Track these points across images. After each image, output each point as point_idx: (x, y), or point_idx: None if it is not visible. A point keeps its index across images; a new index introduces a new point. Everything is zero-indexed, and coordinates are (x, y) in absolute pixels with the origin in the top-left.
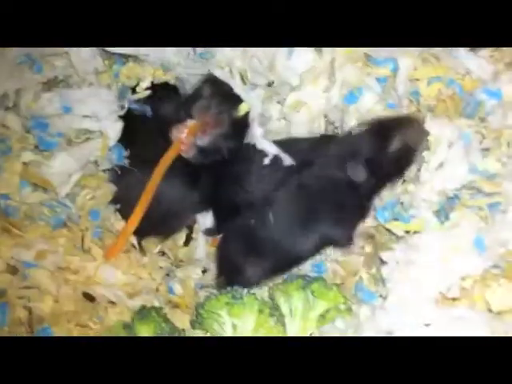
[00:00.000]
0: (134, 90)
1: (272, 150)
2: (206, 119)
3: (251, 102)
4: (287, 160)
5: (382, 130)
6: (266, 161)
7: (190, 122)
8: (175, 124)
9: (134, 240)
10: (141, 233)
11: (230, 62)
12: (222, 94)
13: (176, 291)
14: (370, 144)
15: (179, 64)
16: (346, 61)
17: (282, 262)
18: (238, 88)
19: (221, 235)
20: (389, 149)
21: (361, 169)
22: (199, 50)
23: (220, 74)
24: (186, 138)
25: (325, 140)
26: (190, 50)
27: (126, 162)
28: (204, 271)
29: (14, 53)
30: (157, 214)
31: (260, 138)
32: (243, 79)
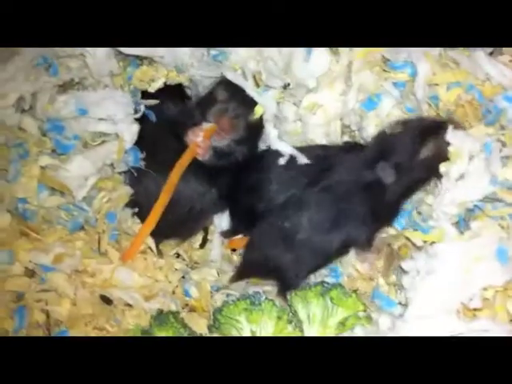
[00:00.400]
0: (145, 93)
1: (287, 150)
2: (222, 123)
3: (265, 104)
4: (302, 159)
5: (419, 132)
6: (282, 161)
7: (206, 126)
8: (191, 127)
9: (151, 243)
10: (159, 235)
11: (244, 64)
12: (237, 97)
13: (192, 294)
14: (403, 146)
15: (193, 66)
16: (363, 65)
17: (314, 261)
18: (250, 90)
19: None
20: (421, 153)
21: (391, 170)
22: (213, 51)
23: (232, 76)
24: (202, 141)
25: (351, 146)
26: (204, 51)
27: (142, 165)
28: (219, 273)
29: (30, 55)
30: (175, 217)
31: (274, 138)
32: (256, 81)
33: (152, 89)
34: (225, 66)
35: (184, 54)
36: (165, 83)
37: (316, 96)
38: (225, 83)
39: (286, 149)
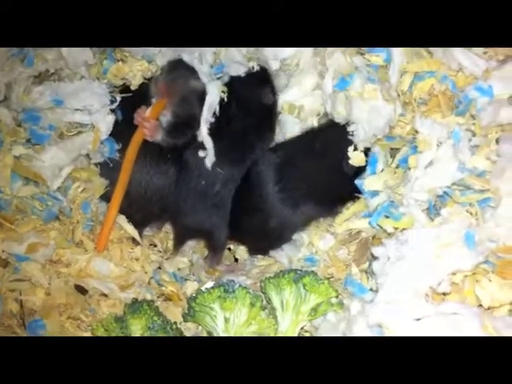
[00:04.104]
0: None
1: (209, 146)
2: (159, 88)
3: (211, 92)
4: (210, 160)
5: None
6: (202, 154)
7: (152, 103)
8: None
9: (133, 231)
10: (139, 224)
11: (203, 50)
12: (179, 66)
13: (165, 283)
14: None
15: (160, 53)
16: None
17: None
18: (202, 74)
19: None
20: None
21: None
22: None
23: (188, 58)
24: (148, 122)
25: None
26: None
27: (117, 156)
28: (191, 262)
29: None
30: (143, 202)
31: (204, 131)
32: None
33: (133, 86)
34: (185, 50)
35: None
36: (144, 78)
37: (289, 95)
38: (178, 62)
39: (208, 145)
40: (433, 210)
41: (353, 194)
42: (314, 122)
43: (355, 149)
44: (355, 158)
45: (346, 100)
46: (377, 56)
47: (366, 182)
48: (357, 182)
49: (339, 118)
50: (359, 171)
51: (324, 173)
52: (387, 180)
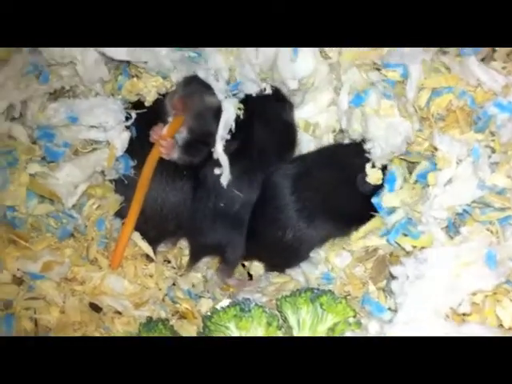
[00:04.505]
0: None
1: (224, 164)
2: (175, 104)
3: (227, 108)
4: (224, 179)
5: None
6: (217, 171)
7: (169, 121)
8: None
9: (147, 248)
10: (153, 240)
11: (219, 67)
12: (194, 81)
13: (180, 301)
14: None
15: (174, 69)
16: (351, 65)
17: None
18: (218, 91)
19: None
20: None
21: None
22: (191, 53)
23: (204, 75)
24: (164, 139)
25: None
26: (183, 53)
27: (132, 173)
28: (205, 279)
29: (20, 63)
30: (159, 218)
31: (219, 149)
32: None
33: (148, 102)
34: (200, 66)
35: (164, 57)
36: (159, 94)
37: (304, 112)
38: (193, 78)
39: (224, 163)
40: (452, 229)
41: (369, 212)
42: (329, 139)
43: (372, 166)
44: (372, 175)
45: (361, 117)
46: (393, 71)
47: (384, 200)
48: (374, 200)
49: (355, 135)
50: (376, 189)
51: (339, 190)
52: (405, 198)
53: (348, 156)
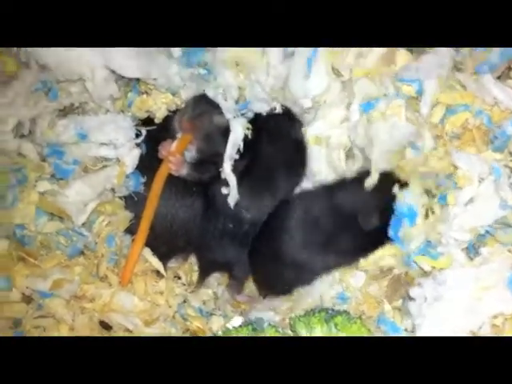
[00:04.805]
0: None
1: (232, 183)
2: (183, 125)
3: (235, 128)
4: (232, 199)
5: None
6: (225, 191)
7: (178, 137)
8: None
9: (157, 264)
10: (163, 256)
11: (228, 83)
12: (202, 101)
13: (191, 318)
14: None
15: (184, 86)
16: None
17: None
18: (226, 111)
19: None
20: None
21: (373, 219)
22: (201, 71)
23: (213, 94)
24: (174, 156)
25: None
26: (193, 70)
27: (142, 189)
28: (216, 296)
29: (29, 80)
30: (169, 234)
31: (227, 169)
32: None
33: (157, 119)
34: (210, 84)
35: (174, 74)
36: (169, 110)
37: (315, 128)
38: (202, 97)
39: (231, 183)
40: (472, 250)
41: (379, 242)
42: (340, 156)
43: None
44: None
45: (367, 122)
46: (408, 85)
47: (403, 235)
48: (390, 233)
49: (359, 142)
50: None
51: (342, 226)
52: (427, 229)
53: (348, 195)
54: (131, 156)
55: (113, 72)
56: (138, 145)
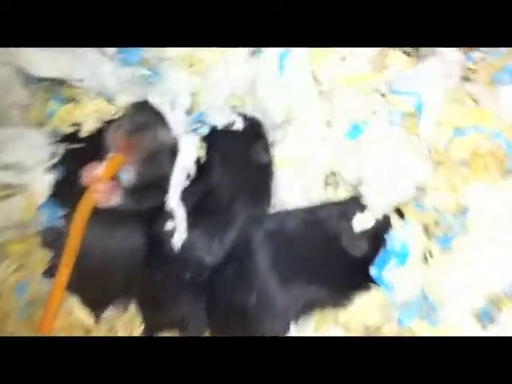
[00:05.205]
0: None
1: (179, 217)
2: (117, 142)
3: (185, 147)
4: (178, 237)
5: None
6: (170, 226)
7: (107, 158)
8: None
9: (87, 315)
10: (96, 305)
11: (177, 90)
12: (144, 112)
13: None
14: None
15: (121, 91)
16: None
17: None
18: (174, 122)
19: None
20: None
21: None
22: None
23: (158, 101)
24: (100, 182)
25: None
26: (132, 71)
27: (60, 223)
28: None
29: None
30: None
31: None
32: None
33: (85, 133)
34: (155, 88)
35: (108, 75)
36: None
37: (286, 148)
38: (143, 105)
39: (179, 216)
40: (484, 315)
41: (365, 278)
42: (319, 182)
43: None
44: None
45: (357, 152)
46: (404, 101)
47: (390, 276)
48: (373, 271)
49: (348, 177)
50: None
51: (323, 250)
52: (422, 275)
53: (331, 215)
54: (43, 182)
55: (20, 70)
56: (53, 167)
